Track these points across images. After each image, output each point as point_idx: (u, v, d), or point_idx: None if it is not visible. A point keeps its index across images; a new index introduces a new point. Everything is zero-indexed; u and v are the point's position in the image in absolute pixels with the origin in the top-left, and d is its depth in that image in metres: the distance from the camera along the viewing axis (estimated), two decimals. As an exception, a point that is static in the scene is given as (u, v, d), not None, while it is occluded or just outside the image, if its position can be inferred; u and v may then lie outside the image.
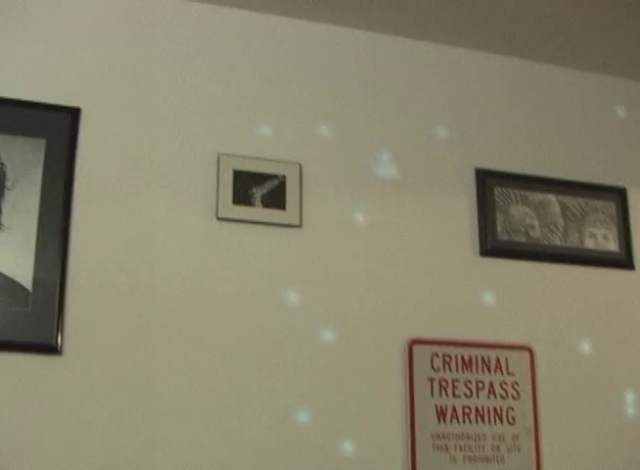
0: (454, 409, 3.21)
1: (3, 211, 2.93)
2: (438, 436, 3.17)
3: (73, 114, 3.10)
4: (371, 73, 3.53)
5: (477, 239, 3.45)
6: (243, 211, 3.17)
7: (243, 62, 3.37)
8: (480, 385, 3.27)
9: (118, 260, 2.99)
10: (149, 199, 3.09)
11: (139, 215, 3.06)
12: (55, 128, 3.06)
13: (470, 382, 3.25)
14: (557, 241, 3.53)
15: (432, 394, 3.19)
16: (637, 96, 3.97)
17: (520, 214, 3.50)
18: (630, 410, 3.47)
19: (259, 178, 3.20)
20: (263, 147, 3.27)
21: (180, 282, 3.03)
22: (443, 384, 3.21)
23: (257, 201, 3.17)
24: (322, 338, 3.14)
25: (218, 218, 3.13)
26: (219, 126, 3.24)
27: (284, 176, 3.23)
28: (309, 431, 3.03)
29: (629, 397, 3.49)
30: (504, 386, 3.29)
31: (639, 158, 3.86)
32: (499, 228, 3.44)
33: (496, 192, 3.48)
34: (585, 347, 3.49)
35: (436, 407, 3.19)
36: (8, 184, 2.96)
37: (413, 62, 3.62)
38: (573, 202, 3.60)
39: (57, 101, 3.10)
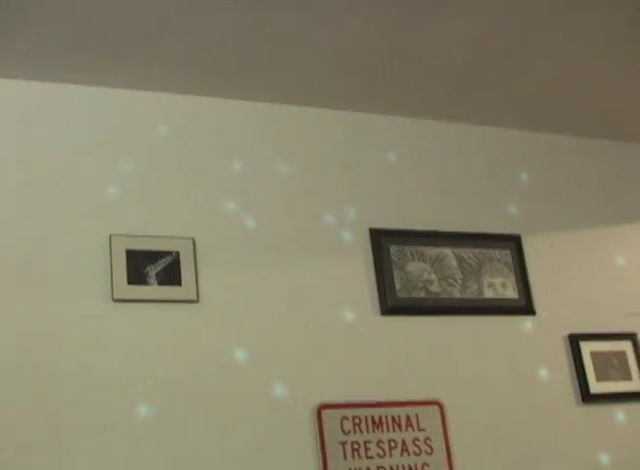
0: (369, 471, 3.18)
1: None
2: (355, 499, 3.14)
3: None
4: (253, 141, 3.56)
5: (376, 298, 3.43)
6: (138, 291, 3.13)
7: (130, 140, 3.37)
8: (393, 443, 3.25)
9: (17, 354, 2.93)
10: (44, 289, 3.05)
11: (34, 307, 3.01)
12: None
13: (382, 442, 3.23)
14: (456, 293, 3.56)
15: (344, 457, 3.17)
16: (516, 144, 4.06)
17: (417, 271, 3.53)
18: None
19: (153, 256, 3.19)
20: (154, 224, 3.25)
21: (82, 368, 2.98)
22: (355, 446, 3.19)
23: (152, 279, 3.15)
24: (229, 410, 3.10)
25: (114, 300, 3.08)
26: (108, 207, 3.22)
27: (177, 252, 3.22)
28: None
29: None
30: (416, 442, 3.27)
31: (530, 204, 3.91)
32: (398, 286, 3.46)
33: (392, 250, 3.50)
34: (492, 394, 3.48)
35: (351, 471, 3.15)
36: None
37: (296, 126, 3.68)
38: (469, 253, 3.64)
39: None
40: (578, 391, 3.63)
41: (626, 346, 3.78)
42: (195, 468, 2.99)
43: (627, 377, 3.72)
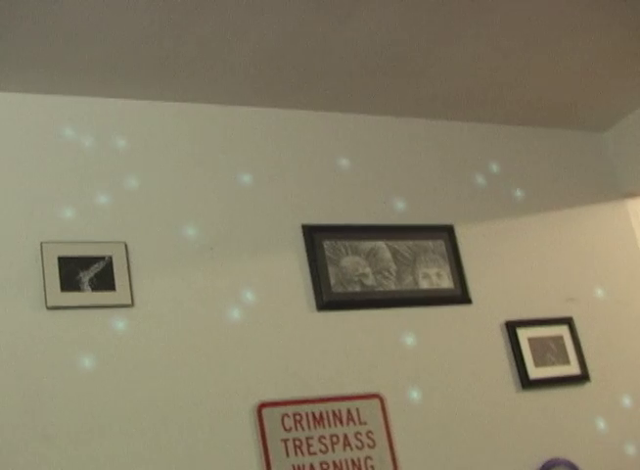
0: (312, 467, 3.19)
1: None
2: (300, 495, 3.14)
3: None
4: (177, 142, 3.55)
5: (312, 295, 3.43)
6: (72, 298, 3.10)
7: (56, 146, 3.34)
8: (335, 439, 3.25)
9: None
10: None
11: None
12: None
13: (324, 437, 3.24)
14: (392, 286, 3.57)
15: (287, 454, 3.17)
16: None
17: (352, 265, 3.53)
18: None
19: (85, 262, 3.17)
20: (86, 230, 3.22)
21: (18, 376, 2.95)
22: (297, 443, 3.19)
23: (86, 285, 3.13)
24: (169, 412, 3.09)
25: (48, 308, 3.05)
26: (38, 214, 3.19)
27: (110, 257, 3.20)
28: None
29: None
30: (359, 436, 3.28)
31: (462, 193, 3.94)
32: (333, 281, 3.46)
33: (325, 245, 3.51)
34: (432, 385, 3.51)
35: (294, 468, 3.16)
36: None
37: (224, 126, 3.65)
38: (403, 245, 3.66)
39: None
40: (517, 377, 3.66)
41: (563, 330, 3.82)
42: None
43: (565, 361, 3.76)
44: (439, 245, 3.72)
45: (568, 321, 3.85)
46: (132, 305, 3.18)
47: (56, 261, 3.15)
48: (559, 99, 4.03)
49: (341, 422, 3.27)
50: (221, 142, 3.60)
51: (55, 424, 2.93)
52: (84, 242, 3.21)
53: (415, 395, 3.45)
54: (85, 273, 3.16)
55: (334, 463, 3.21)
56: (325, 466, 3.20)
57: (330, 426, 3.25)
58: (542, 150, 4.24)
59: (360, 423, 3.30)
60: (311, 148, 3.75)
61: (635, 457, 3.71)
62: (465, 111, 4.01)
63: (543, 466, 3.52)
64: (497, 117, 4.09)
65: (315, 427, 3.23)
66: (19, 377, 2.95)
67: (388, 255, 3.60)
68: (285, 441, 3.18)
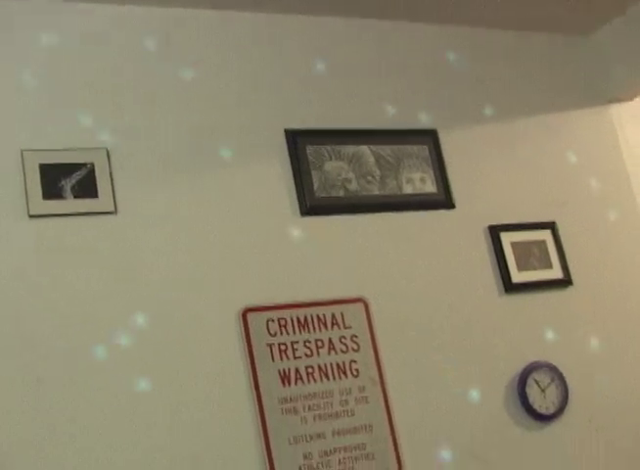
0: (297, 371, 3.21)
1: None
2: (286, 399, 3.17)
3: None
4: (167, 50, 3.50)
5: (295, 200, 3.43)
6: (54, 205, 3.09)
7: (34, 52, 3.29)
8: (320, 343, 3.28)
9: None
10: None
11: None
12: None
13: (309, 341, 3.26)
14: (375, 191, 3.57)
15: (272, 359, 3.19)
16: (441, 40, 4.05)
17: (335, 169, 3.52)
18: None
19: (67, 169, 3.14)
20: (67, 137, 3.19)
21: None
22: (282, 348, 3.21)
23: (68, 192, 3.11)
24: (151, 313, 3.10)
25: (30, 216, 3.04)
26: (18, 122, 3.15)
27: (92, 164, 3.17)
28: (151, 400, 3.00)
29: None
30: (343, 340, 3.31)
31: (445, 97, 3.92)
32: (316, 186, 3.46)
33: (308, 150, 3.49)
34: (415, 288, 3.53)
35: (279, 372, 3.19)
36: None
37: (205, 30, 3.61)
38: (387, 149, 3.64)
39: None
40: (500, 281, 3.68)
41: (546, 235, 3.83)
42: (123, 383, 3.00)
43: (548, 266, 3.78)
44: (423, 149, 3.71)
45: (551, 226, 3.86)
46: (115, 212, 3.16)
47: (37, 169, 3.12)
48: (542, 2, 3.97)
49: (325, 326, 3.29)
50: (199, 48, 3.55)
51: (43, 340, 2.93)
52: (65, 149, 3.17)
53: (398, 299, 3.46)
54: (67, 181, 3.13)
55: (319, 367, 3.23)
56: (310, 370, 3.22)
57: (315, 330, 3.27)
58: (526, 54, 4.21)
59: (345, 327, 3.32)
60: (300, 55, 3.70)
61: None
62: (441, 14, 3.93)
63: (525, 369, 3.56)
64: (478, 20, 4.03)
65: (300, 331, 3.25)
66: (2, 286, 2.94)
67: (371, 159, 3.59)
68: (270, 345, 3.20)
